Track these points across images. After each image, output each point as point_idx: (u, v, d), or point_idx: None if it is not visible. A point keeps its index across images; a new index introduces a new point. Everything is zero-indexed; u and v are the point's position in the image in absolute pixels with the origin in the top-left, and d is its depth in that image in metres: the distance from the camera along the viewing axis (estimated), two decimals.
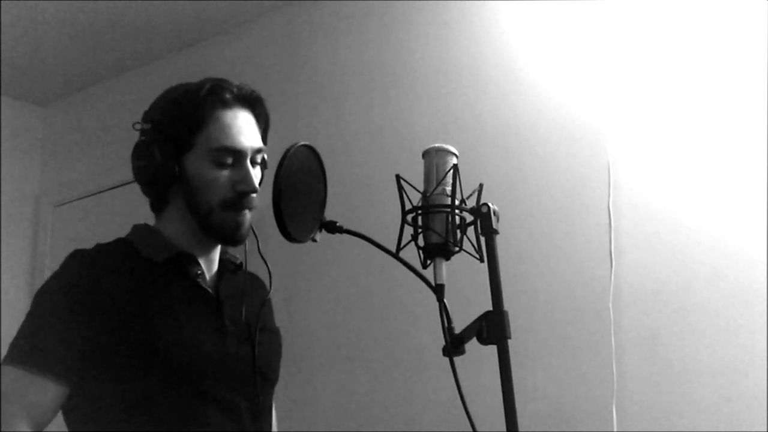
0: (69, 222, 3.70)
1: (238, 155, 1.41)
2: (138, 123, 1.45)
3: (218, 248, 1.49)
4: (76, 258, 1.40)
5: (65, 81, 3.74)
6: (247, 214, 1.42)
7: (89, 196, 3.65)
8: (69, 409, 1.37)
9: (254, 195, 1.42)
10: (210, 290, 1.44)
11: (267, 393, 1.49)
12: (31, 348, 1.33)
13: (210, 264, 1.48)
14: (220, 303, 1.44)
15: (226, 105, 1.42)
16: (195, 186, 1.40)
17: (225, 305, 1.44)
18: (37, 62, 3.55)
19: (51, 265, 3.62)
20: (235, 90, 1.43)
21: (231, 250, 1.53)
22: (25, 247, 3.75)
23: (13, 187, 3.78)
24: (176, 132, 1.40)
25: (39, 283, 3.78)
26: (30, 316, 1.37)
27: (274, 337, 1.55)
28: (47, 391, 1.32)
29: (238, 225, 1.41)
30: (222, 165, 1.40)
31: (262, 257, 1.52)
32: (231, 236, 1.42)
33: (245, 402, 1.41)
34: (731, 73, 2.15)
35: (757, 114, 2.08)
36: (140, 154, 1.42)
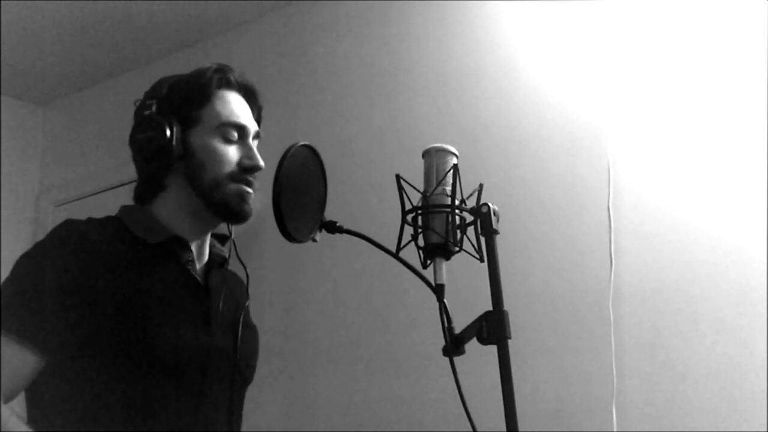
0: None
1: (243, 132, 1.44)
2: (138, 100, 1.47)
3: (209, 238, 1.49)
4: (67, 228, 1.37)
5: (65, 81, 3.74)
6: (251, 191, 1.42)
7: (89, 196, 3.65)
8: (35, 389, 1.31)
9: (257, 173, 1.43)
10: (199, 279, 1.43)
11: (242, 390, 1.48)
12: (12, 313, 1.28)
13: (200, 253, 1.47)
14: (208, 293, 1.43)
15: (231, 86, 1.47)
16: (201, 160, 1.41)
17: (213, 296, 1.43)
18: (37, 62, 3.55)
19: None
20: (236, 76, 1.48)
21: (218, 246, 1.53)
22: (25, 247, 3.74)
23: (13, 187, 3.78)
24: (183, 107, 1.42)
25: None
26: (11, 281, 1.33)
27: (253, 334, 1.54)
28: (23, 360, 1.26)
29: (244, 198, 1.42)
30: (228, 140, 1.42)
31: (239, 259, 1.51)
32: (237, 209, 1.42)
33: (223, 396, 1.40)
34: (731, 73, 2.15)
35: (757, 114, 2.08)
36: (146, 126, 1.41)
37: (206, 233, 1.48)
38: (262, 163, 1.43)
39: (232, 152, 1.42)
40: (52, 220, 3.77)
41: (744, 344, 2.01)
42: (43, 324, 1.28)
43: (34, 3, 3.09)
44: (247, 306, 1.53)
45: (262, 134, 1.49)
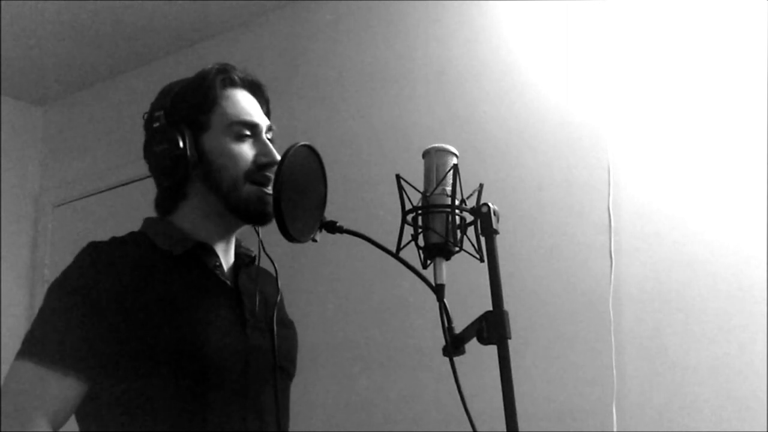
0: (69, 222, 3.70)
1: (255, 129, 1.43)
2: (146, 113, 1.46)
3: (234, 239, 1.49)
4: (93, 250, 1.37)
5: (65, 81, 3.74)
6: (270, 191, 1.41)
7: (89, 196, 3.65)
8: (84, 411, 1.34)
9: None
10: (228, 282, 1.43)
11: (287, 387, 1.49)
12: (49, 343, 1.30)
13: (227, 255, 1.47)
14: (239, 295, 1.43)
15: (235, 84, 1.46)
16: (217, 163, 1.40)
17: (244, 297, 1.43)
18: (37, 62, 3.55)
19: (51, 264, 3.62)
20: (240, 74, 1.47)
21: (245, 244, 1.53)
22: (25, 247, 3.75)
23: (13, 187, 3.78)
24: (191, 113, 1.41)
25: (39, 283, 3.77)
26: (45, 310, 1.34)
27: (291, 330, 1.54)
28: (67, 388, 1.29)
29: (264, 200, 1.41)
30: (241, 139, 1.42)
31: (267, 255, 1.51)
32: (258, 210, 1.41)
33: (266, 396, 1.40)
34: (731, 73, 2.15)
35: (757, 114, 2.08)
36: (159, 139, 1.40)
37: (231, 235, 1.48)
38: (278, 157, 1.40)
39: (247, 150, 1.42)
40: (52, 220, 3.78)
41: (744, 344, 2.01)
42: (83, 350, 1.30)
43: (34, 3, 3.09)
44: (280, 301, 1.52)
45: (274, 127, 1.49)
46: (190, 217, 1.44)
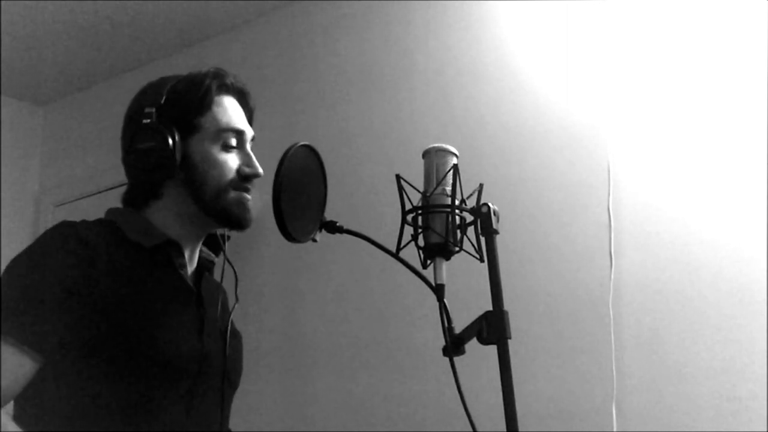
0: None
1: (241, 138, 1.44)
2: (133, 106, 1.44)
3: (200, 244, 1.48)
4: (63, 229, 1.35)
5: (65, 81, 3.74)
6: (250, 198, 1.42)
7: (89, 196, 3.65)
8: (27, 394, 1.29)
9: (257, 179, 1.43)
10: (192, 285, 1.43)
11: (231, 396, 1.48)
12: (9, 316, 1.26)
13: (192, 259, 1.46)
14: (201, 300, 1.42)
15: (229, 90, 1.46)
16: (202, 168, 1.40)
17: (205, 303, 1.43)
18: (37, 62, 3.55)
19: None
20: (231, 79, 1.47)
21: (206, 250, 1.52)
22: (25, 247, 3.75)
23: (13, 187, 3.78)
24: (183, 115, 1.40)
25: None
26: (6, 283, 1.30)
27: (239, 341, 1.53)
28: (22, 364, 1.24)
29: (245, 206, 1.41)
30: (227, 148, 1.42)
31: (229, 262, 1.51)
32: (239, 218, 1.41)
33: (212, 404, 1.40)
34: (731, 73, 2.15)
35: (757, 114, 2.08)
36: (147, 136, 1.38)
37: (200, 239, 1.48)
38: (261, 170, 1.42)
39: (232, 160, 1.42)
40: (52, 220, 3.77)
41: (744, 344, 2.01)
42: (42, 326, 1.26)
43: (34, 3, 3.09)
44: (233, 311, 1.51)
45: (255, 138, 1.49)
46: (161, 216, 1.43)
